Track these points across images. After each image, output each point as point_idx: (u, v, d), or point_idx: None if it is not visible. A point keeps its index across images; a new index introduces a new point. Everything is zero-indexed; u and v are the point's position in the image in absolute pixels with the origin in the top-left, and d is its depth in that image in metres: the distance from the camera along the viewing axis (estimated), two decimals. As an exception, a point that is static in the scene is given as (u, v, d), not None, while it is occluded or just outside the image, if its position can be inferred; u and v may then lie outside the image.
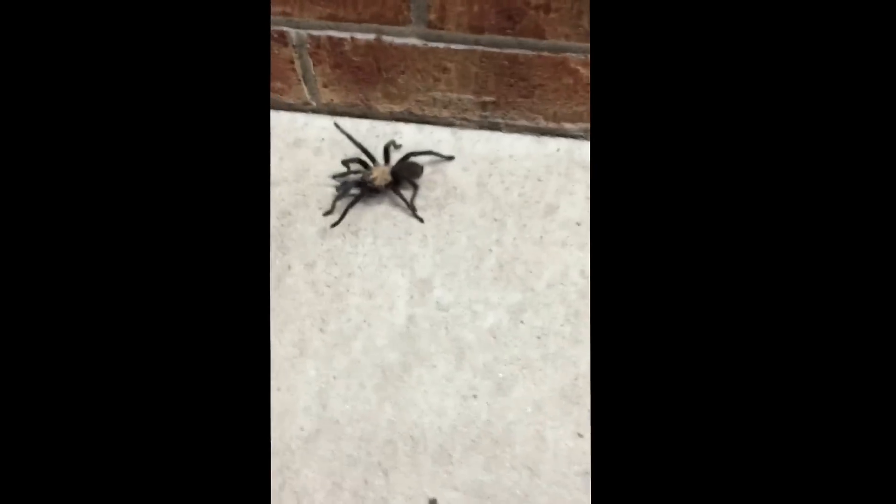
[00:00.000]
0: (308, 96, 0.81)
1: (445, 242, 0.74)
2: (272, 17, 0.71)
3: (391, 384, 0.66)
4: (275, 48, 0.74)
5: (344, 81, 0.78)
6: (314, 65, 0.76)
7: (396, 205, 0.76)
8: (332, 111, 0.83)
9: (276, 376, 0.66)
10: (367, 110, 0.82)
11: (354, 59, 0.74)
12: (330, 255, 0.73)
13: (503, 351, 0.68)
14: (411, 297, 0.71)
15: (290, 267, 0.72)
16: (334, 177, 0.77)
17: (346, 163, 0.77)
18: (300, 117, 0.84)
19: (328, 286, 0.71)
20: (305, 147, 0.81)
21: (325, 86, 0.79)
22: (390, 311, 0.70)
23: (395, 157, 0.78)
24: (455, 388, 0.66)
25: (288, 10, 0.69)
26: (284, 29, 0.72)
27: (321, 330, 0.68)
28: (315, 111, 0.83)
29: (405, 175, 0.76)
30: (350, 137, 0.79)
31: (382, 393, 0.65)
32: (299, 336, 0.68)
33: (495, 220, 0.76)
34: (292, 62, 0.76)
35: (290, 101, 0.82)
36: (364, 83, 0.78)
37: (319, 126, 0.83)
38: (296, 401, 0.64)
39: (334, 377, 0.66)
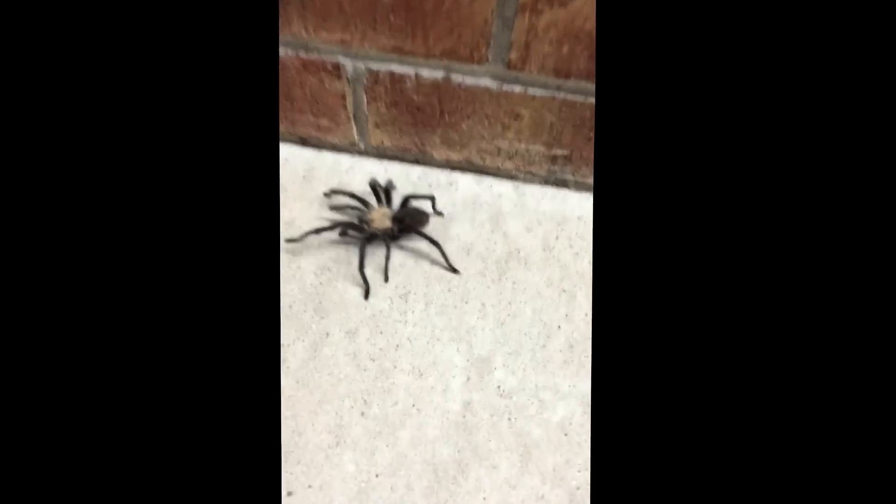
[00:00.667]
0: (356, 136, 0.72)
1: (507, 315, 0.64)
2: (327, 47, 0.62)
3: (444, 487, 0.55)
4: (326, 81, 0.65)
5: (399, 122, 0.69)
6: (368, 102, 0.67)
7: (449, 267, 0.66)
8: (382, 154, 0.74)
9: (308, 470, 0.55)
10: (420, 156, 0.73)
11: (415, 98, 0.65)
12: (375, 322, 0.63)
13: (576, 453, 0.57)
14: (468, 379, 0.60)
15: (328, 334, 0.62)
16: (330, 202, 0.67)
17: (334, 192, 0.68)
18: (345, 159, 0.74)
19: (372, 360, 0.61)
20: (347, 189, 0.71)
21: (376, 126, 0.70)
22: (444, 394, 0.59)
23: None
24: (520, 497, 0.54)
25: (347, 38, 0.60)
26: (340, 60, 0.63)
27: (362, 414, 0.58)
28: (362, 153, 0.74)
29: (409, 222, 0.65)
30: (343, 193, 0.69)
31: (433, 498, 0.54)
32: (336, 420, 0.57)
33: (564, 290, 0.66)
34: (344, 97, 0.67)
35: (336, 140, 0.73)
36: (422, 126, 0.69)
37: (367, 170, 0.73)
38: (330, 501, 0.53)
39: (377, 475, 0.55)
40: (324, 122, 0.70)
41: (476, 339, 0.62)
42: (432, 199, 0.68)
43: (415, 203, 0.67)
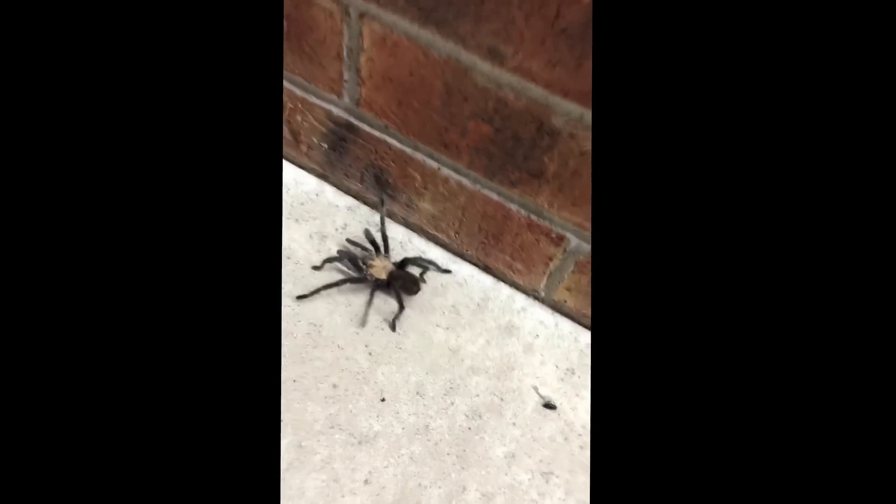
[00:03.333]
0: (542, 288, 0.72)
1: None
2: (561, 222, 0.62)
3: None
4: (542, 243, 0.65)
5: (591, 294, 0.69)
6: (574, 271, 0.67)
7: (391, 323, 0.65)
8: (557, 308, 0.73)
9: None
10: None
11: (620, 286, 0.65)
12: (512, 494, 0.63)
13: None
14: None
15: (464, 488, 0.62)
16: (339, 253, 0.71)
17: (352, 242, 0.73)
18: (520, 299, 0.74)
19: (501, 534, 0.61)
20: (517, 338, 0.72)
21: (567, 288, 0.70)
22: None
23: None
24: None
25: (586, 223, 0.60)
26: (567, 235, 0.63)
27: (479, 591, 0.58)
28: (540, 300, 0.74)
29: (398, 285, 0.70)
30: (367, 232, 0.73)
31: None
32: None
33: None
34: (551, 259, 0.67)
35: (520, 282, 0.73)
36: (612, 306, 0.68)
37: (539, 318, 0.73)
38: None
39: None
40: (519, 266, 0.71)
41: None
42: (432, 262, 0.73)
43: (410, 268, 0.72)
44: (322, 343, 0.68)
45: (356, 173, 0.74)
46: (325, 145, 0.72)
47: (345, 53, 0.60)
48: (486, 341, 0.71)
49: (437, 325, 0.71)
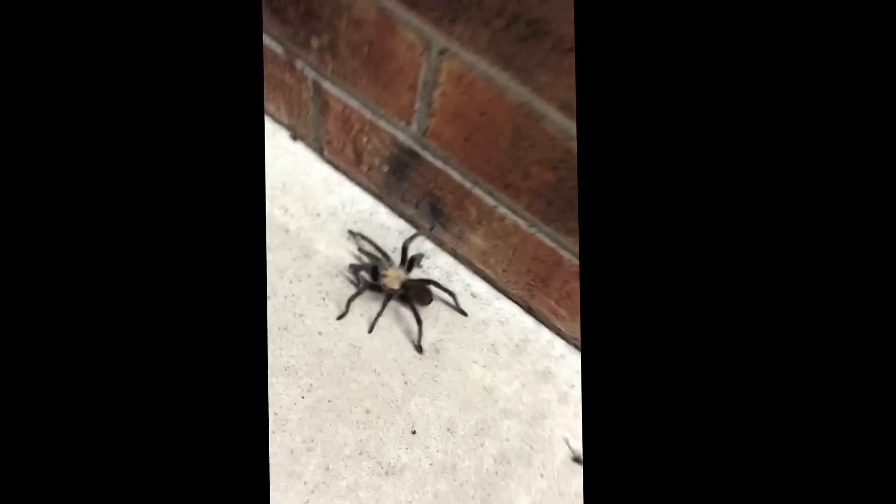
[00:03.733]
0: (586, 338, 0.71)
1: None
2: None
3: None
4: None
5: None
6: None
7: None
8: (599, 360, 0.72)
9: None
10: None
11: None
12: (532, 545, 0.62)
13: None
14: None
15: (485, 534, 0.62)
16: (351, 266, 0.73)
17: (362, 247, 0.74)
18: (560, 345, 0.73)
19: (516, 586, 0.60)
20: (553, 385, 0.71)
21: (611, 342, 0.68)
22: None
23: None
24: None
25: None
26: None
27: None
28: (580, 350, 0.73)
29: (413, 295, 0.70)
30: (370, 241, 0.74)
31: None
32: None
33: None
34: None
35: (562, 328, 0.72)
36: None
37: (576, 367, 0.72)
38: None
39: None
40: (563, 312, 0.70)
41: None
42: (453, 295, 0.72)
43: (431, 287, 0.72)
44: (360, 365, 0.68)
45: (412, 199, 0.74)
46: (386, 168, 0.73)
47: (420, 85, 0.60)
48: (521, 384, 0.70)
49: (475, 362, 0.71)
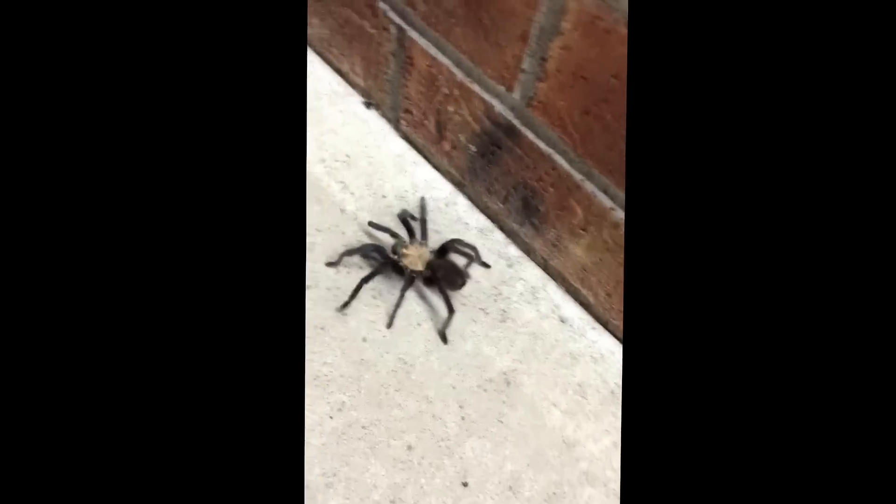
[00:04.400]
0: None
1: None
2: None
3: None
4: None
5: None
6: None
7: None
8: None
9: None
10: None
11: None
12: None
13: None
14: None
15: None
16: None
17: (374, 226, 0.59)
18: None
19: None
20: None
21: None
22: None
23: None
24: None
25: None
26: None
27: None
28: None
29: (441, 276, 0.56)
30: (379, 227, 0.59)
31: None
32: None
33: None
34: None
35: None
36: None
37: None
38: None
39: None
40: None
41: None
42: (475, 249, 0.59)
43: (455, 255, 0.59)
44: (408, 388, 0.54)
45: (501, 190, 0.59)
46: (473, 148, 0.59)
47: (533, 33, 0.46)
48: (613, 443, 0.54)
49: (555, 405, 0.55)
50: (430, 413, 0.53)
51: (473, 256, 0.59)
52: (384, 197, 0.62)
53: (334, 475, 0.49)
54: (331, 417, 0.51)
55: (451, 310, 0.55)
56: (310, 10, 0.65)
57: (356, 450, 0.50)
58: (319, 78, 0.68)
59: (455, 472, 0.51)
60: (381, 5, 0.57)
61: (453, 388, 0.54)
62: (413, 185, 0.64)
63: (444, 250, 0.58)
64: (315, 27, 0.67)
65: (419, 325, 0.57)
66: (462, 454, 0.52)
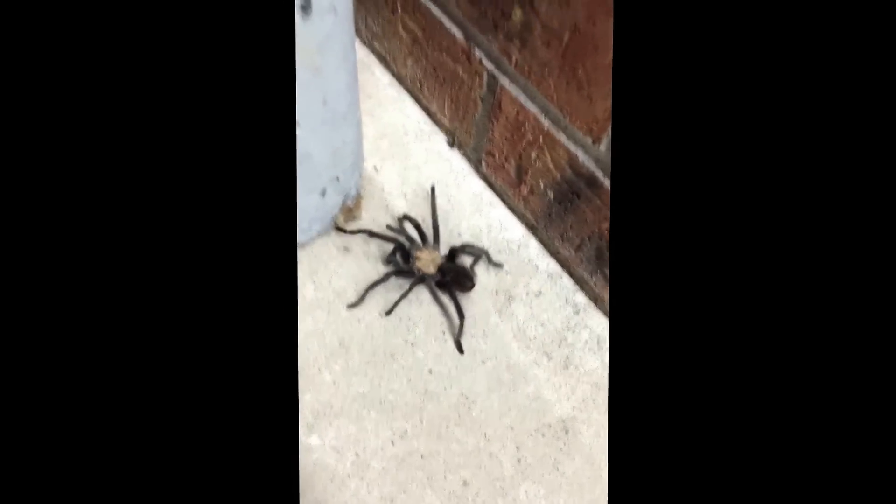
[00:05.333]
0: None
1: None
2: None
3: None
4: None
5: None
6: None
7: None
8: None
9: None
10: None
11: None
12: None
13: None
14: None
15: None
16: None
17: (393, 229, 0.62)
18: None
19: None
20: None
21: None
22: None
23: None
24: None
25: None
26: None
27: None
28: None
29: (451, 279, 0.59)
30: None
31: None
32: None
33: None
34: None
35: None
36: None
37: None
38: None
39: None
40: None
41: None
42: (485, 252, 0.62)
43: (464, 258, 0.61)
44: (467, 424, 0.54)
45: (575, 238, 0.60)
46: (551, 195, 0.60)
47: (626, 91, 0.47)
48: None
49: (613, 458, 0.54)
50: (487, 451, 0.53)
51: (483, 256, 0.62)
52: (459, 235, 0.64)
53: (391, 501, 0.50)
54: (393, 443, 0.53)
55: (461, 315, 0.57)
56: (406, 52, 0.69)
57: (414, 478, 0.51)
58: (408, 116, 0.71)
59: (508, 514, 0.51)
60: (477, 52, 0.59)
61: (511, 428, 0.55)
62: (488, 224, 0.65)
63: (454, 254, 0.60)
64: (409, 68, 0.70)
65: (483, 362, 0.58)
66: (516, 496, 0.52)
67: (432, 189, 0.64)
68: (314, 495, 0.50)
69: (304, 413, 0.53)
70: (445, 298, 0.60)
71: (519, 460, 0.53)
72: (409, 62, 0.70)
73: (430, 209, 0.62)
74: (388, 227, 0.63)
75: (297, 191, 0.55)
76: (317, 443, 0.52)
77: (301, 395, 0.54)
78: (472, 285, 0.60)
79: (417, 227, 0.61)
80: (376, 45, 0.74)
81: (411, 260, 0.59)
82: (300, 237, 0.60)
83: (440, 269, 0.59)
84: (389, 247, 0.61)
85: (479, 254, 0.62)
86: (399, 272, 0.59)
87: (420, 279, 0.59)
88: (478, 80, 0.61)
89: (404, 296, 0.59)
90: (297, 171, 0.53)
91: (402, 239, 0.61)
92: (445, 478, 0.52)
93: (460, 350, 0.58)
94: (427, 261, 0.59)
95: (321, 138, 0.52)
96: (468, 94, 0.63)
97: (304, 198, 0.56)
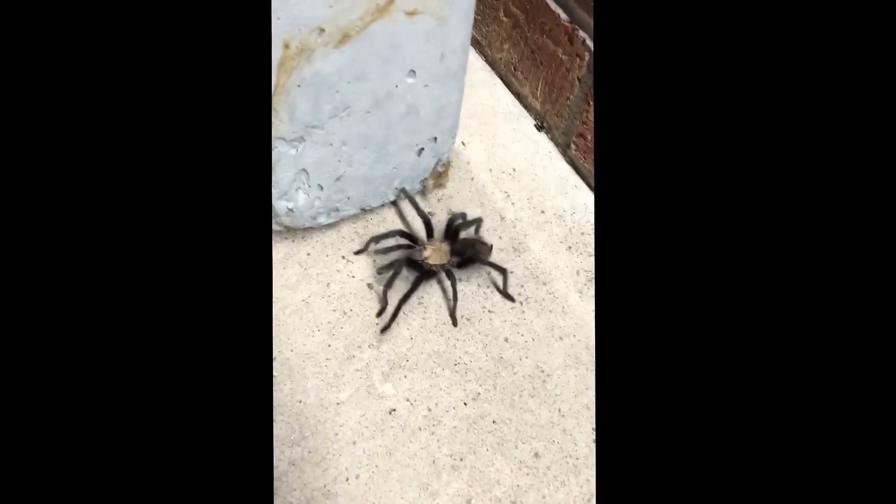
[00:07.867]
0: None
1: None
2: None
3: None
4: None
5: None
6: None
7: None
8: None
9: None
10: None
11: None
12: None
13: None
14: None
15: None
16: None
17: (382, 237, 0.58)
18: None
19: None
20: None
21: None
22: None
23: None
24: None
25: None
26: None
27: None
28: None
29: (471, 254, 0.56)
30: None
31: None
32: None
33: None
34: None
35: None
36: None
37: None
38: None
39: None
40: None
41: None
42: (478, 220, 0.60)
43: (464, 232, 0.59)
44: (542, 396, 0.53)
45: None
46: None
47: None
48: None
49: (693, 450, 0.51)
50: (561, 426, 0.51)
51: (477, 225, 0.60)
52: (542, 212, 0.64)
53: (461, 459, 0.48)
54: (465, 404, 0.51)
55: (503, 270, 0.56)
56: (504, 36, 0.70)
57: (484, 441, 0.50)
58: (499, 98, 0.72)
59: (580, 493, 0.48)
60: (581, 34, 0.60)
61: (588, 408, 0.53)
62: (572, 206, 0.64)
63: (455, 233, 0.58)
64: (505, 52, 0.71)
65: (561, 339, 0.56)
66: (589, 476, 0.49)
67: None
68: (384, 441, 0.48)
69: (381, 362, 0.52)
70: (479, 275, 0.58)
71: (595, 441, 0.51)
72: (507, 46, 0.70)
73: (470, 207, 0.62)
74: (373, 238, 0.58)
75: (395, 145, 0.55)
76: (391, 392, 0.51)
77: (378, 346, 0.53)
78: (490, 247, 0.58)
79: (406, 234, 0.58)
80: (472, 31, 0.76)
81: (423, 264, 0.55)
82: (388, 196, 0.60)
83: (454, 253, 0.57)
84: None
85: (474, 222, 0.60)
86: (419, 278, 0.55)
87: (430, 273, 0.56)
88: (578, 61, 0.61)
89: (456, 299, 0.55)
90: (401, 125, 0.54)
91: (403, 249, 0.57)
92: (517, 446, 0.50)
93: (454, 322, 0.55)
94: (438, 253, 0.56)
95: (431, 93, 0.53)
96: (565, 75, 0.63)
97: (401, 153, 0.56)
